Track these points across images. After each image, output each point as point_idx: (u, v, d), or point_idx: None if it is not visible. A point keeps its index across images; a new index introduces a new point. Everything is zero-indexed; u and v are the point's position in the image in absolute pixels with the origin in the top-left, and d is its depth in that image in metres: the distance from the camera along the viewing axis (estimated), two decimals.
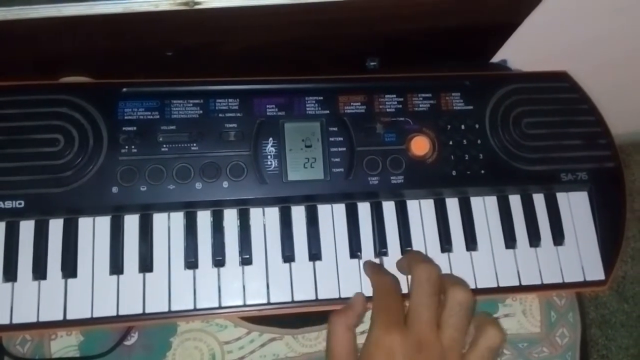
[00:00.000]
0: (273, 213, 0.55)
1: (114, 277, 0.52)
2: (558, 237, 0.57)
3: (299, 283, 0.54)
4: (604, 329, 1.38)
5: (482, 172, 0.57)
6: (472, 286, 0.55)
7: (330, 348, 0.47)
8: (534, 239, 0.57)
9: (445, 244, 0.56)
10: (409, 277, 0.49)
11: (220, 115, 0.55)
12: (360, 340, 0.47)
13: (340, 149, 0.56)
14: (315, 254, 0.54)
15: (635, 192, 1.47)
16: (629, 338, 1.38)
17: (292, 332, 0.58)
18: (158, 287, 0.52)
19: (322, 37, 0.58)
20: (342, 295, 0.54)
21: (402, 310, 0.47)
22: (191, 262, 0.53)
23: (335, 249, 0.55)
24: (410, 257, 0.52)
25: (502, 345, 0.46)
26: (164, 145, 0.54)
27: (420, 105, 0.58)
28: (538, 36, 0.68)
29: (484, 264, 0.56)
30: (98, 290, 0.52)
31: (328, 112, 0.57)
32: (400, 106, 0.58)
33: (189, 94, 0.56)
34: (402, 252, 0.56)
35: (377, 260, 0.55)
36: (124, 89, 0.55)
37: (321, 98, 0.57)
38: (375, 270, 0.53)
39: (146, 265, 0.52)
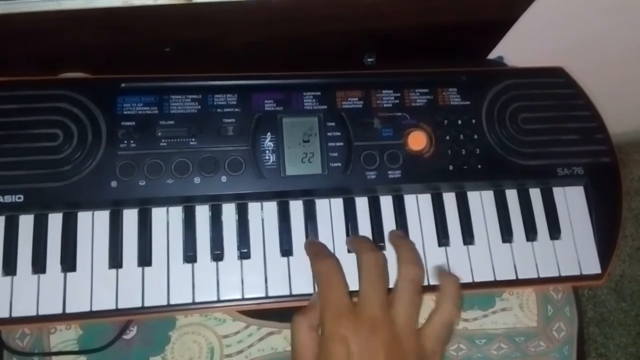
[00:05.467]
0: (271, 207, 0.56)
1: (113, 271, 0.52)
2: (554, 231, 0.58)
3: (297, 277, 0.54)
4: (602, 327, 1.38)
5: (479, 166, 0.57)
6: (469, 280, 0.55)
7: (295, 348, 0.47)
8: (531, 233, 0.57)
9: (443, 238, 0.56)
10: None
11: (218, 110, 0.56)
12: None
13: (338, 144, 0.56)
14: None
15: (633, 191, 1.47)
16: (627, 336, 1.38)
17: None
18: (157, 280, 0.52)
19: (320, 33, 0.58)
20: None
21: (348, 295, 0.47)
22: (190, 256, 0.53)
23: (333, 243, 0.55)
24: (356, 243, 0.52)
25: (456, 320, 0.48)
26: (163, 140, 0.54)
27: (417, 101, 0.59)
28: (534, 33, 0.68)
29: (481, 257, 0.56)
30: (97, 284, 0.52)
31: (326, 107, 0.57)
32: (398, 101, 0.58)
33: (188, 89, 0.56)
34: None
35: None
36: (123, 84, 0.55)
37: (319, 93, 0.57)
38: (315, 252, 0.52)
39: (145, 259, 0.53)
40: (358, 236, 0.55)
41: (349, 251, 0.55)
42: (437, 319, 0.47)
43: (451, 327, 0.48)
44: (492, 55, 0.71)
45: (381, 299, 0.46)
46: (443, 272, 0.53)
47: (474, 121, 0.59)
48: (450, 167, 0.57)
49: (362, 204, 0.57)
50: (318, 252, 0.52)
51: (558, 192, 0.59)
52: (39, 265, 0.51)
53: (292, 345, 0.48)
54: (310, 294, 0.53)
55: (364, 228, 0.56)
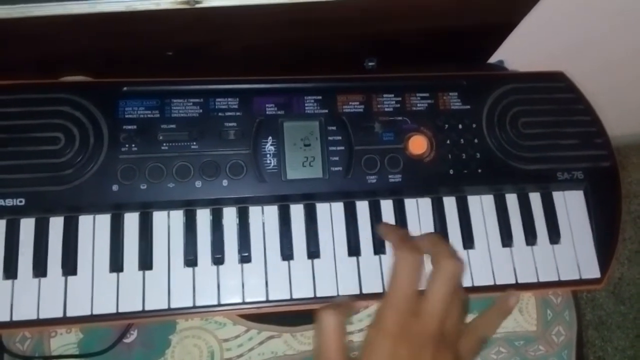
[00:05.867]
0: (272, 211, 0.56)
1: (114, 274, 0.52)
2: (554, 235, 0.58)
3: (297, 281, 0.54)
4: (600, 330, 1.38)
5: (479, 171, 0.57)
6: (469, 284, 0.56)
7: (321, 345, 0.45)
8: (530, 238, 0.57)
9: None
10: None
11: (220, 114, 0.56)
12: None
13: (338, 148, 0.56)
14: (313, 252, 0.55)
15: (632, 194, 1.47)
16: (625, 340, 1.38)
17: (291, 329, 0.58)
18: (157, 284, 0.52)
19: (321, 37, 0.58)
20: (341, 293, 0.54)
21: (416, 298, 0.45)
22: (190, 260, 0.53)
23: (334, 247, 0.55)
24: (436, 244, 0.49)
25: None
26: (164, 144, 0.54)
27: (418, 105, 0.59)
28: (535, 37, 0.68)
29: (481, 262, 0.56)
30: (98, 288, 0.52)
31: (327, 111, 0.57)
32: (398, 106, 0.58)
33: (189, 93, 0.56)
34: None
35: (375, 259, 0.55)
36: (125, 88, 0.55)
37: (320, 97, 0.58)
38: (400, 236, 0.50)
39: (146, 262, 0.53)
40: (433, 235, 0.54)
41: (347, 255, 0.55)
42: (474, 334, 0.48)
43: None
44: (493, 59, 0.71)
45: (444, 313, 0.45)
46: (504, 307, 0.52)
47: (474, 125, 0.59)
48: (451, 172, 0.57)
49: (362, 207, 0.57)
50: (404, 238, 0.50)
51: (558, 196, 0.59)
52: (39, 268, 0.52)
53: (317, 338, 0.45)
54: (310, 298, 0.54)
55: (365, 232, 0.56)
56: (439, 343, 0.44)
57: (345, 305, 0.47)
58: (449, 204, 0.58)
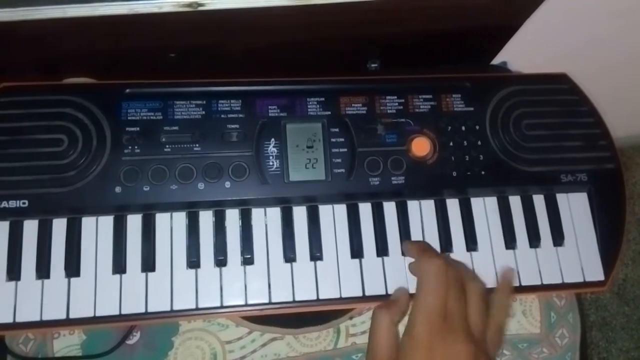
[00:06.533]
0: (275, 213, 0.56)
1: (117, 276, 0.52)
2: (558, 237, 0.58)
3: (300, 283, 0.54)
4: (604, 331, 1.38)
5: (483, 173, 0.57)
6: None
7: (374, 342, 0.48)
8: (534, 240, 0.57)
9: (446, 245, 0.56)
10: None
11: (222, 116, 0.56)
12: None
13: (341, 150, 0.56)
14: (316, 254, 0.54)
15: (636, 195, 1.47)
16: (629, 341, 1.38)
17: (293, 331, 0.58)
18: (160, 286, 0.52)
19: (324, 38, 0.58)
20: (344, 295, 0.54)
21: (446, 303, 0.47)
22: (193, 262, 0.53)
23: (337, 250, 0.55)
24: (418, 250, 0.52)
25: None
26: (167, 146, 0.54)
27: (421, 107, 0.59)
28: (538, 39, 0.68)
29: (484, 264, 0.56)
30: (101, 290, 0.52)
31: (329, 113, 0.57)
32: (401, 107, 0.58)
33: (192, 94, 0.56)
34: (403, 253, 0.56)
35: (378, 261, 0.55)
36: (127, 90, 0.56)
37: (323, 99, 0.57)
38: (422, 248, 0.52)
39: (149, 264, 0.53)
40: (418, 241, 0.56)
41: (350, 257, 0.55)
42: (494, 324, 0.49)
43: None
44: (496, 60, 0.71)
45: (481, 319, 0.47)
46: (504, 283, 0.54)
47: (477, 127, 0.59)
48: (454, 174, 0.57)
49: (365, 210, 0.57)
50: (426, 249, 0.52)
51: (562, 198, 0.59)
52: (43, 270, 0.52)
53: (371, 337, 0.48)
54: (313, 301, 0.53)
55: (367, 234, 0.56)
56: (470, 342, 0.45)
57: (399, 304, 0.50)
58: (452, 206, 0.58)
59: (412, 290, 0.53)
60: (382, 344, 0.47)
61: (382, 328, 0.47)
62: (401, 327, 0.48)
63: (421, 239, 0.56)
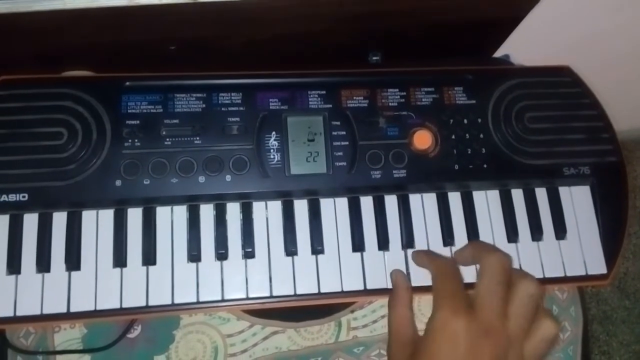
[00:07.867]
0: (276, 207, 0.55)
1: (118, 270, 0.52)
2: (560, 231, 0.57)
3: (301, 276, 0.54)
4: (605, 325, 1.38)
5: (485, 166, 0.57)
6: (474, 280, 0.55)
7: (393, 327, 0.49)
8: (536, 233, 0.57)
9: (448, 238, 0.56)
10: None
11: (223, 109, 0.55)
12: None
13: (342, 143, 0.56)
14: (317, 248, 0.54)
15: (638, 188, 1.47)
16: (630, 334, 1.38)
17: (295, 325, 0.58)
18: (161, 280, 0.52)
19: (325, 31, 0.58)
20: (345, 289, 0.54)
21: (466, 295, 0.46)
22: (194, 256, 0.53)
23: (338, 243, 0.55)
24: (480, 246, 0.52)
25: (557, 337, 0.46)
26: (167, 139, 0.54)
27: (423, 100, 0.58)
28: (541, 31, 0.68)
29: None
30: (101, 283, 0.52)
31: (331, 106, 0.57)
32: (403, 100, 0.58)
33: (192, 87, 0.56)
34: (404, 246, 0.55)
35: (379, 254, 0.55)
36: (127, 83, 0.55)
37: (324, 92, 0.57)
38: (431, 257, 0.52)
39: (149, 258, 0.53)
40: (477, 240, 0.56)
41: (351, 251, 0.55)
42: (539, 335, 0.45)
43: (552, 342, 0.46)
44: (499, 53, 0.70)
45: (499, 305, 0.44)
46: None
47: (479, 120, 0.58)
48: (456, 167, 0.57)
49: (367, 203, 0.56)
50: (435, 255, 0.53)
51: (564, 191, 0.59)
52: (43, 264, 0.51)
53: (389, 325, 0.50)
54: (314, 294, 0.53)
55: (369, 228, 0.56)
56: (498, 337, 0.43)
57: (404, 285, 0.52)
58: (454, 199, 0.57)
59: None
60: (403, 326, 0.49)
61: (400, 313, 0.50)
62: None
63: (423, 232, 0.56)
